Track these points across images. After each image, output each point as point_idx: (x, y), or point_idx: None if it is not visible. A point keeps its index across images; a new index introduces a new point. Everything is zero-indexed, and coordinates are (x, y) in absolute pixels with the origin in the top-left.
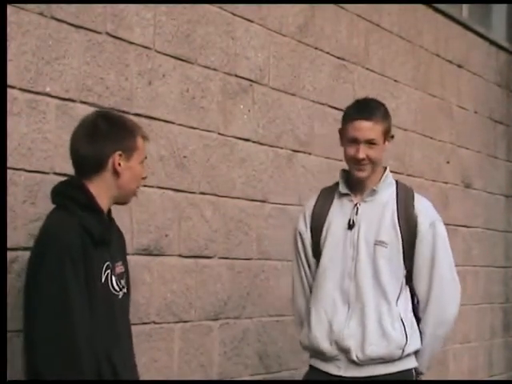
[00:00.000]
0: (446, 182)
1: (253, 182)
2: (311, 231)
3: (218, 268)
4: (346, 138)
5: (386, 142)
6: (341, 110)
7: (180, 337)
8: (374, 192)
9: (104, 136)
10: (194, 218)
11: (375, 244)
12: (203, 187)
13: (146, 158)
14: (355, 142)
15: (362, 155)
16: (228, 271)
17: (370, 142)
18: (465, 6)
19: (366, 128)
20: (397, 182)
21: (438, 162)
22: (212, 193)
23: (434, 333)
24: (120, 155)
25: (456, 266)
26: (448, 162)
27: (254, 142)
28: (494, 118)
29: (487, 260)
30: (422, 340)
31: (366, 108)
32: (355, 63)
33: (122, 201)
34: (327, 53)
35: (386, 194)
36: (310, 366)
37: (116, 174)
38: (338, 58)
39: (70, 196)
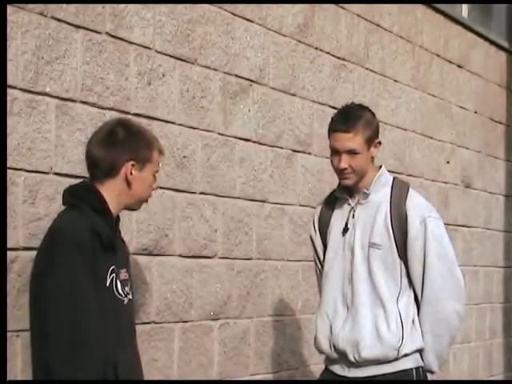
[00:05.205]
0: (446, 182)
1: (253, 182)
2: (320, 235)
3: (217, 268)
4: (330, 148)
5: (372, 148)
6: None
7: (180, 337)
8: (365, 195)
9: (120, 143)
10: (194, 217)
11: (369, 246)
12: (203, 187)
13: (157, 171)
14: (337, 152)
15: (343, 165)
16: (228, 271)
17: (352, 152)
18: (465, 6)
19: (346, 139)
20: (394, 179)
21: (438, 161)
22: (212, 193)
23: (433, 332)
24: (133, 165)
25: None
26: (448, 162)
27: (253, 141)
28: (494, 118)
29: (487, 260)
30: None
31: (345, 119)
32: (355, 63)
33: (131, 207)
34: (327, 53)
35: (380, 194)
36: (325, 366)
37: (127, 182)
38: (338, 58)
39: (82, 197)
